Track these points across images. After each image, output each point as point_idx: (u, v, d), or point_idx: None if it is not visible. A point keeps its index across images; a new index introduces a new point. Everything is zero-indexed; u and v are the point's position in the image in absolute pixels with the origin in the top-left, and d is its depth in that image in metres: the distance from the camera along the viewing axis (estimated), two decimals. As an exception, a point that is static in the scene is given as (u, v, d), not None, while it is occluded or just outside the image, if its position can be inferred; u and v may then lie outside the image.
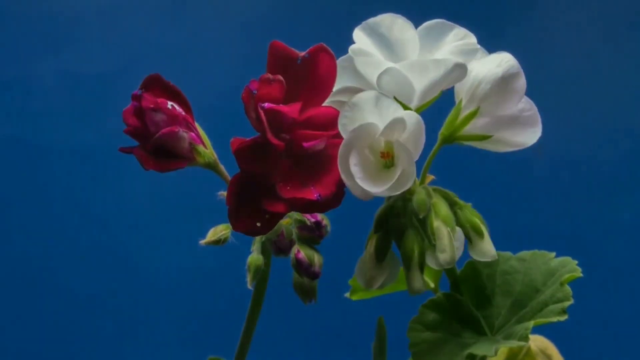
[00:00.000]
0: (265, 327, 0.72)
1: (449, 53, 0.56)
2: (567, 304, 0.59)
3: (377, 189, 0.53)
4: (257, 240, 0.64)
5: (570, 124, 1.28)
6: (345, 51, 0.59)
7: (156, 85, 0.60)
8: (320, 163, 0.56)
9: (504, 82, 0.57)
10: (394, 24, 0.58)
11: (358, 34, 0.58)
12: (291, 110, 0.56)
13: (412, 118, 0.54)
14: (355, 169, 0.53)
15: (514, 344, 0.57)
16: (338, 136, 0.56)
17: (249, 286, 0.63)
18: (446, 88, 0.58)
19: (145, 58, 1.38)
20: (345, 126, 0.55)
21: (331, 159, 0.56)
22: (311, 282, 0.65)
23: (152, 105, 0.59)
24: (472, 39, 0.57)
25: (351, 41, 0.59)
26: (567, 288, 0.60)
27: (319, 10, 1.42)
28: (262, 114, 0.55)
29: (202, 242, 0.62)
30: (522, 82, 0.57)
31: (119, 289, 1.40)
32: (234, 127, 0.59)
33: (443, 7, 1.21)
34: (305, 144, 0.55)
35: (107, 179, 1.38)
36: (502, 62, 0.57)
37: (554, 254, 0.64)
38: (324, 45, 0.58)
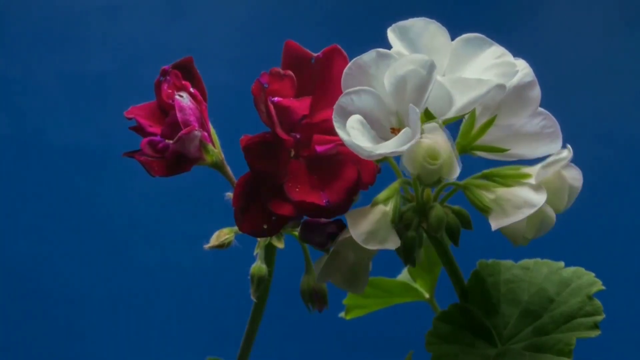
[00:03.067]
0: (266, 330, 0.71)
1: (493, 74, 0.54)
2: (599, 318, 0.58)
3: (381, 149, 0.51)
4: (261, 246, 0.63)
5: (569, 125, 1.27)
6: (349, 52, 0.57)
7: (184, 69, 0.60)
8: (331, 168, 0.55)
9: (518, 91, 0.55)
10: (426, 30, 0.55)
11: (390, 35, 0.56)
12: (301, 105, 0.55)
13: (415, 73, 0.52)
14: (354, 132, 0.51)
15: (555, 359, 0.56)
16: None
17: (253, 298, 0.63)
18: (480, 105, 0.56)
19: (146, 58, 1.37)
20: (348, 86, 0.53)
21: (343, 165, 0.55)
22: (321, 287, 0.64)
23: (176, 86, 0.58)
24: (509, 57, 0.55)
25: (353, 41, 0.58)
26: (597, 302, 0.58)
27: (321, 10, 1.41)
28: (272, 108, 0.54)
29: (206, 246, 0.62)
30: (536, 91, 0.56)
31: (119, 289, 1.38)
32: (235, 128, 0.58)
33: (442, 7, 1.21)
34: (318, 148, 0.54)
35: (108, 179, 1.37)
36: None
37: (561, 263, 0.62)
38: (338, 46, 0.57)
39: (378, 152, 0.51)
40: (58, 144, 1.39)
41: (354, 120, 0.52)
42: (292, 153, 0.56)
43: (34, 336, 1.38)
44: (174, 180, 0.60)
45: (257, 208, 0.54)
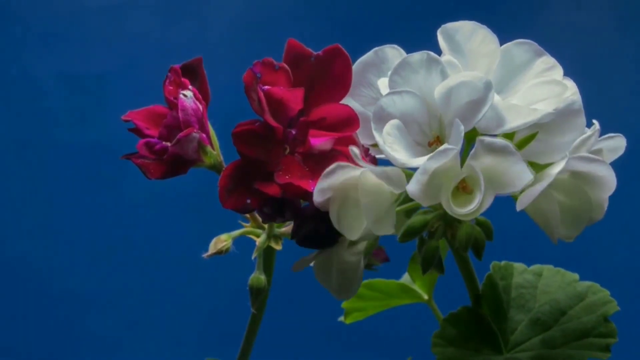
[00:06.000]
0: (266, 333, 0.69)
1: (543, 96, 0.52)
2: (612, 341, 0.57)
3: (412, 161, 0.49)
4: (259, 249, 0.62)
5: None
6: (351, 52, 0.56)
7: (191, 69, 0.59)
8: (324, 162, 0.54)
9: (564, 114, 0.53)
10: (475, 34, 0.53)
11: (438, 37, 0.54)
12: (294, 98, 0.54)
13: (470, 85, 0.49)
14: (389, 138, 0.50)
15: None
16: (347, 139, 0.54)
17: (253, 309, 0.62)
18: None
19: (146, 58, 1.37)
20: (396, 83, 0.51)
21: (336, 160, 0.54)
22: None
23: (176, 83, 0.58)
24: (559, 72, 0.54)
25: (356, 41, 0.57)
26: (612, 325, 0.57)
27: (322, 10, 1.40)
28: (262, 95, 0.53)
29: (205, 255, 0.61)
30: (581, 120, 0.54)
31: (119, 288, 1.38)
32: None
33: (443, 5, 1.20)
34: (313, 141, 0.54)
35: (108, 179, 1.37)
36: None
37: (576, 275, 0.61)
38: (339, 46, 0.56)
39: (411, 165, 0.49)
40: (59, 144, 1.38)
41: (391, 126, 0.50)
42: (288, 150, 0.55)
43: (35, 334, 1.38)
44: (174, 180, 0.59)
45: (243, 189, 0.54)
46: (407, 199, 0.52)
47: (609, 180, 0.51)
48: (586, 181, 0.51)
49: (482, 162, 0.49)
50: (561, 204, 0.51)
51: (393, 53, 0.55)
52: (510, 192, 0.50)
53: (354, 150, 0.51)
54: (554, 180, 0.50)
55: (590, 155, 0.51)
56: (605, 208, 0.53)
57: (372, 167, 0.51)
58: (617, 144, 0.54)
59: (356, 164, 0.52)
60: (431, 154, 0.48)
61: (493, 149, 0.48)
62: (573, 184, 0.51)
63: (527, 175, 0.48)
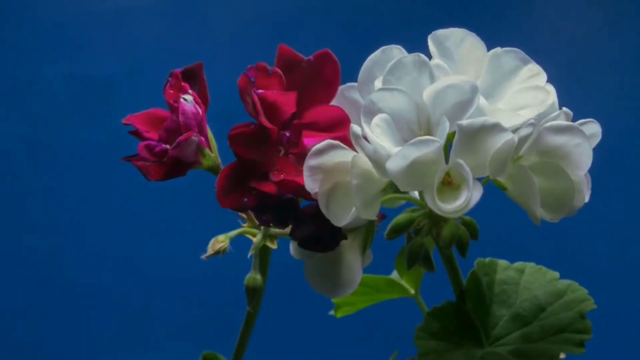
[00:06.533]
0: (258, 327, 0.70)
1: (530, 109, 0.53)
2: (586, 337, 0.58)
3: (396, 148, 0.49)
4: (256, 247, 0.63)
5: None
6: (350, 58, 0.58)
7: (191, 73, 0.60)
8: None
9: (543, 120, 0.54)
10: (464, 41, 0.54)
11: (429, 43, 0.55)
12: (287, 101, 0.55)
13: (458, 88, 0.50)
14: (377, 130, 0.50)
15: None
16: (341, 138, 0.54)
17: (249, 308, 0.63)
18: None
19: (152, 61, 1.37)
20: (389, 82, 0.52)
21: None
22: None
23: (177, 87, 0.58)
24: (542, 78, 0.55)
25: (354, 44, 0.57)
26: (588, 322, 0.59)
27: (326, 14, 1.40)
28: (256, 98, 0.54)
29: (204, 256, 0.62)
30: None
31: (123, 284, 1.38)
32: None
33: (442, 6, 1.20)
34: (306, 142, 0.55)
35: (113, 179, 1.37)
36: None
37: (557, 274, 0.62)
38: (329, 51, 0.57)
39: (394, 153, 0.49)
40: (65, 145, 1.38)
41: (380, 119, 0.50)
42: (282, 151, 0.56)
43: (42, 329, 1.38)
44: (177, 180, 0.60)
45: (240, 189, 0.55)
46: (397, 189, 0.52)
47: (584, 151, 0.51)
48: (560, 156, 0.51)
49: (465, 151, 0.49)
50: (542, 188, 0.50)
51: (397, 53, 0.55)
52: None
53: (355, 129, 0.51)
54: (526, 147, 0.50)
55: (562, 123, 0.52)
56: (585, 193, 0.53)
57: (367, 144, 0.50)
58: (592, 129, 0.54)
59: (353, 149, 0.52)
60: (412, 140, 0.48)
61: (475, 129, 0.48)
62: (549, 164, 0.52)
63: (508, 135, 0.48)
